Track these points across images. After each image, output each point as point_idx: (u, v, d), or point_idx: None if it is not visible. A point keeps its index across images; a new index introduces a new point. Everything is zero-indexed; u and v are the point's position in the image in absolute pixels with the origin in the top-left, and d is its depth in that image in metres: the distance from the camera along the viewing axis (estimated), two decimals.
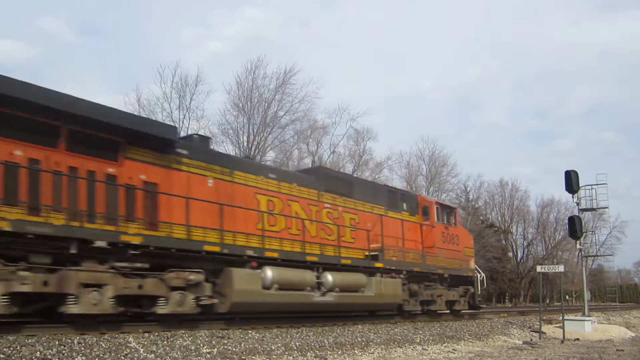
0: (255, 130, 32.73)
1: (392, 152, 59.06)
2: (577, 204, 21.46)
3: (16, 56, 72.73)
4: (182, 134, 31.33)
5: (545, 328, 17.94)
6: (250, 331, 10.44)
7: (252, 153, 32.27)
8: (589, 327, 18.27)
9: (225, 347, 9.11)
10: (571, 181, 20.72)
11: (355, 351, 10.78)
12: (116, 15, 75.06)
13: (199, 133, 28.27)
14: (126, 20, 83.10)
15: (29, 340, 7.45)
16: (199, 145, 12.06)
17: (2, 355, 6.86)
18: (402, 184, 46.77)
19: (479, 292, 19.09)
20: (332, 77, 78.23)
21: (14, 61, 72.21)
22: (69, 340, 7.77)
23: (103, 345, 7.94)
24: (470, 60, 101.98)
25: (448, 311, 18.25)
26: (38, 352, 7.14)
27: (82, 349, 7.64)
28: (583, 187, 21.40)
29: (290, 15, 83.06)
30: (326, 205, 14.29)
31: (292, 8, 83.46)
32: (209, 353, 8.71)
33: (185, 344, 8.80)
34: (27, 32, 75.25)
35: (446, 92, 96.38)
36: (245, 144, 32.61)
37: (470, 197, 53.46)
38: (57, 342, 7.58)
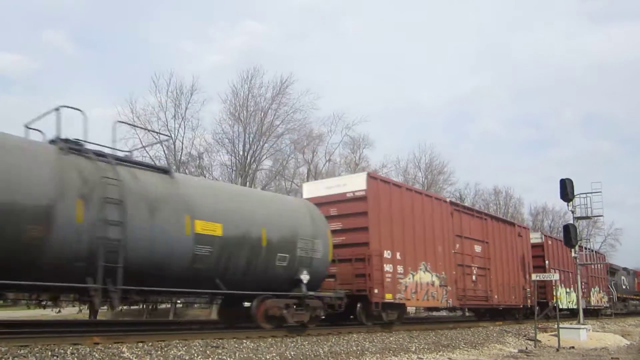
0: (251, 139, 32.76)
1: (388, 159, 58.98)
2: (572, 212, 21.58)
3: (17, 68, 73.08)
4: (178, 143, 31.44)
5: (541, 336, 17.94)
6: (244, 340, 10.40)
7: (247, 162, 32.28)
8: (584, 336, 18.27)
9: (220, 357, 9.07)
10: (566, 189, 20.85)
11: None
12: (117, 29, 75.47)
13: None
14: (127, 34, 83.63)
15: (22, 351, 7.39)
16: None
17: None
18: None
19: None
20: (330, 88, 78.69)
21: (15, 74, 72.55)
22: (62, 351, 7.71)
23: (96, 355, 7.89)
24: (467, 72, 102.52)
25: None
26: None
27: (75, 359, 7.59)
28: (578, 196, 21.55)
29: (290, 28, 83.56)
30: None
31: (291, 21, 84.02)
32: None
33: (179, 354, 8.75)
34: (28, 45, 75.65)
35: (443, 103, 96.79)
36: (241, 152, 32.63)
37: (466, 205, 53.58)
38: (49, 353, 7.52)
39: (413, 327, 16.20)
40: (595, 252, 31.89)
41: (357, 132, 39.56)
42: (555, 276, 18.85)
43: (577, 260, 22.56)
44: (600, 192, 21.84)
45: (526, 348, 15.86)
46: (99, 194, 9.11)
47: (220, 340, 10.06)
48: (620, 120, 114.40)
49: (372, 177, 15.43)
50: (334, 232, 14.04)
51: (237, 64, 77.65)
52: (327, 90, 78.86)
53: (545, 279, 20.04)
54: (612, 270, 36.54)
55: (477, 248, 19.15)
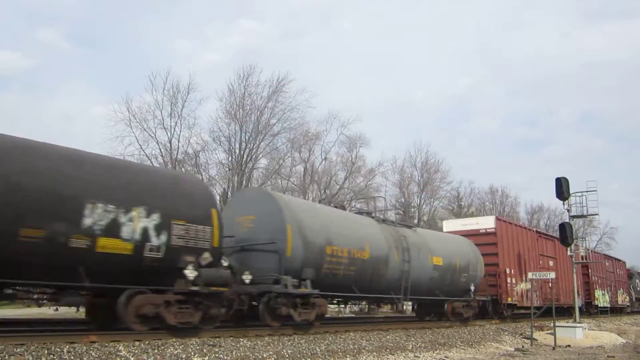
0: (247, 137, 32.74)
1: (385, 158, 59.01)
2: (568, 210, 21.63)
3: (14, 67, 73.01)
4: (174, 142, 31.42)
5: (537, 335, 18.00)
6: (241, 339, 10.39)
7: (243, 160, 32.26)
8: (580, 334, 18.33)
9: (217, 355, 9.06)
10: (562, 188, 20.88)
11: (347, 358, 10.76)
12: (114, 28, 75.34)
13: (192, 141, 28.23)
14: (124, 33, 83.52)
15: (18, 349, 7.38)
16: None
17: None
18: (395, 191, 46.98)
19: None
20: (328, 87, 78.67)
21: (12, 72, 72.46)
22: (59, 349, 7.70)
23: (93, 354, 7.87)
24: (462, 71, 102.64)
25: None
26: None
27: (72, 357, 7.57)
28: (573, 194, 21.60)
29: (288, 27, 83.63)
30: None
31: (289, 20, 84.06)
32: None
33: (176, 352, 8.74)
34: (24, 43, 75.56)
35: (439, 101, 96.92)
36: (237, 151, 32.60)
37: (462, 204, 53.67)
38: (46, 351, 7.51)
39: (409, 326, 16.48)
40: (617, 259, 39.00)
41: (354, 131, 39.64)
42: (551, 274, 18.96)
43: (573, 259, 22.64)
44: (595, 190, 21.96)
45: (522, 346, 15.91)
46: (399, 245, 16.05)
47: (217, 339, 10.05)
48: (616, 118, 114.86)
49: (498, 219, 23.13)
50: None
51: (235, 63, 77.75)
52: (324, 89, 79.01)
53: (542, 277, 20.17)
54: (630, 275, 42.12)
55: (551, 262, 25.80)
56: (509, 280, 21.52)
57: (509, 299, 21.46)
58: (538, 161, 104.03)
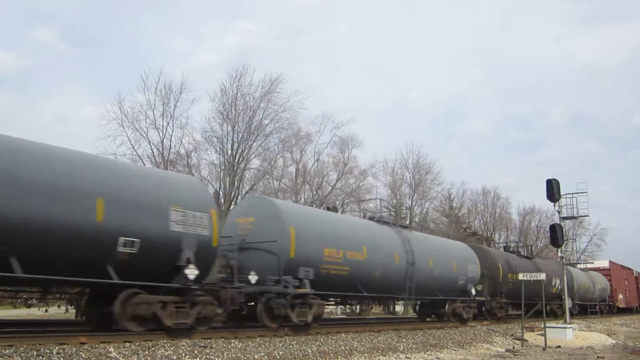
0: (239, 138, 32.62)
1: (377, 159, 59.05)
2: (559, 212, 21.74)
3: (7, 66, 72.48)
4: (166, 142, 31.33)
5: (528, 336, 18.06)
6: (233, 340, 10.36)
7: (236, 161, 32.17)
8: (570, 335, 18.43)
9: (208, 356, 9.03)
10: (552, 190, 20.97)
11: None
12: (112, 28, 75.02)
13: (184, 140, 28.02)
14: (122, 33, 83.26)
15: (7, 351, 7.32)
16: None
17: None
18: (387, 192, 47.02)
19: None
20: (323, 88, 78.66)
21: (5, 72, 71.95)
22: (48, 351, 7.64)
23: (83, 355, 7.82)
24: (458, 73, 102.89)
25: None
26: None
27: (62, 359, 7.52)
28: (564, 196, 21.73)
29: (283, 29, 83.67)
30: None
31: (285, 21, 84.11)
32: None
33: (167, 353, 8.70)
34: (18, 43, 75.12)
35: (432, 103, 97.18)
36: (229, 152, 32.50)
37: (454, 205, 53.83)
38: (35, 353, 7.45)
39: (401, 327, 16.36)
40: None
41: (346, 132, 39.52)
42: (542, 276, 19.05)
43: (564, 260, 22.78)
44: (585, 192, 22.17)
45: (513, 347, 15.96)
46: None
47: (208, 340, 10.02)
48: (608, 121, 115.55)
49: (611, 262, 41.50)
50: None
51: (231, 63, 77.33)
52: (320, 89, 78.81)
53: (533, 278, 20.26)
54: None
55: (626, 282, 42.70)
56: (616, 292, 40.09)
57: (618, 303, 40.21)
58: (530, 163, 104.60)
